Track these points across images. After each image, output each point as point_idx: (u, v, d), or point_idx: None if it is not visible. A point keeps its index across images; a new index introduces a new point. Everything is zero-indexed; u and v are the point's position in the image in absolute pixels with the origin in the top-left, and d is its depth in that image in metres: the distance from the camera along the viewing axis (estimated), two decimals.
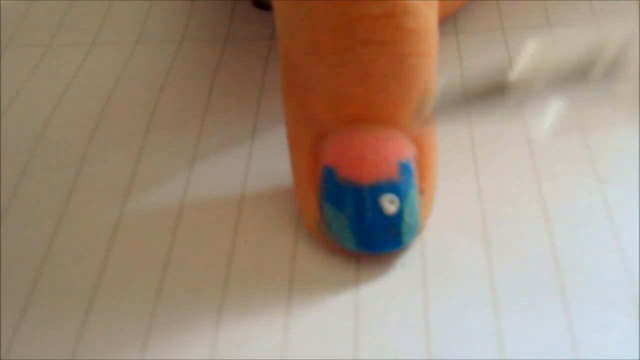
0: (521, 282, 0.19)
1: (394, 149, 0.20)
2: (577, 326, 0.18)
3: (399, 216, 0.20)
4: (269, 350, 0.19)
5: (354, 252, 0.20)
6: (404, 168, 0.20)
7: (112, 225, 0.22)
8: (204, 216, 0.22)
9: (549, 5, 0.29)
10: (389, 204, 0.20)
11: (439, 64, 0.25)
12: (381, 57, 0.20)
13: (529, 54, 0.17)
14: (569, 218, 0.21)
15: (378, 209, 0.20)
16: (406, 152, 0.20)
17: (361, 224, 0.20)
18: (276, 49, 0.28)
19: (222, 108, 0.26)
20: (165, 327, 0.19)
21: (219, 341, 0.19)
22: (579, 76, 0.16)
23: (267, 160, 0.24)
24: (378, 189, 0.20)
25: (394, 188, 0.20)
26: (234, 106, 0.26)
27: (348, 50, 0.20)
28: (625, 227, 0.20)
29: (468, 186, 0.22)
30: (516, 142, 0.23)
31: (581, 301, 0.19)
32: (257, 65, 0.28)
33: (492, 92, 0.17)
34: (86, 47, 0.30)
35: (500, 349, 0.18)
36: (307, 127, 0.21)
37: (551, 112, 0.17)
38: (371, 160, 0.20)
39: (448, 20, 0.28)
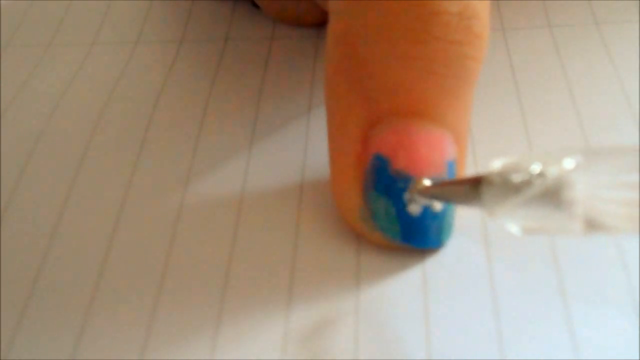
0: (521, 282, 0.19)
1: (445, 148, 0.20)
2: (577, 326, 0.18)
3: (442, 215, 0.20)
4: (269, 350, 0.19)
5: (391, 244, 0.20)
6: (450, 168, 0.20)
7: (111, 224, 0.22)
8: (204, 216, 0.22)
9: (549, 5, 0.29)
10: (437, 202, 0.20)
11: None
12: (448, 56, 0.20)
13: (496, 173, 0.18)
14: None
15: (427, 206, 0.20)
16: (452, 152, 0.20)
17: (410, 217, 0.20)
18: (276, 49, 0.28)
19: (222, 108, 0.26)
20: (165, 327, 0.19)
21: (219, 341, 0.19)
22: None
23: (267, 160, 0.24)
24: None
25: None
26: (233, 106, 0.26)
27: (421, 43, 0.20)
28: None
29: None
30: (516, 142, 0.23)
31: (581, 301, 0.19)
32: (257, 65, 0.28)
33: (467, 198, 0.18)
34: (86, 47, 0.30)
35: (500, 349, 0.18)
36: (360, 107, 0.20)
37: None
38: (425, 156, 0.20)
39: None
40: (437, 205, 0.20)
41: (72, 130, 0.26)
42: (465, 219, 0.21)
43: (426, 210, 0.20)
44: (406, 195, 0.20)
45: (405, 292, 0.20)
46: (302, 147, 0.24)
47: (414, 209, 0.20)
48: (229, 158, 0.24)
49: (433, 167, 0.20)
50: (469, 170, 0.22)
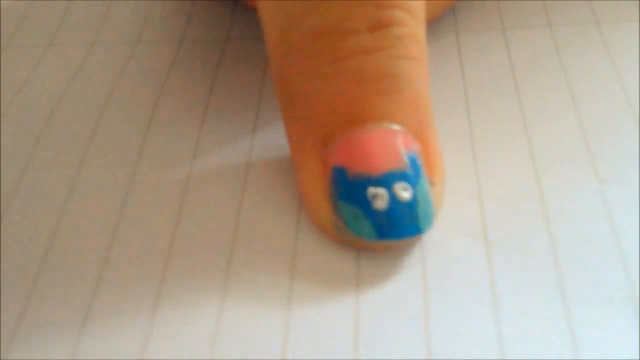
0: (521, 282, 0.19)
1: (400, 142, 0.20)
2: (577, 326, 0.18)
3: (413, 203, 0.20)
4: (269, 350, 0.19)
5: (374, 245, 0.20)
6: (412, 160, 0.20)
7: (112, 224, 0.22)
8: (204, 215, 0.22)
9: (549, 5, 0.29)
10: (403, 191, 0.20)
11: (439, 62, 0.25)
12: (373, 62, 0.20)
13: None
14: (569, 218, 0.21)
15: (393, 197, 0.20)
16: (411, 145, 0.20)
17: (379, 213, 0.20)
18: None
19: (223, 107, 0.26)
20: (165, 325, 0.19)
21: (219, 340, 0.19)
22: None
23: (268, 161, 0.24)
24: (390, 178, 0.20)
25: (405, 177, 0.20)
26: (234, 106, 0.26)
27: (340, 61, 0.20)
28: (625, 227, 0.20)
29: (468, 186, 0.22)
30: (516, 141, 0.23)
31: (581, 301, 0.19)
32: (257, 65, 0.28)
33: None
34: (86, 47, 0.30)
35: (500, 349, 0.18)
36: (310, 133, 0.21)
37: None
38: (379, 152, 0.20)
39: (448, 19, 0.28)
40: (404, 194, 0.20)
41: (72, 130, 0.26)
42: (465, 218, 0.21)
43: (393, 202, 0.20)
44: (369, 192, 0.20)
45: (405, 292, 0.20)
46: None
47: (379, 204, 0.20)
48: (230, 157, 0.24)
49: (390, 162, 0.20)
50: (468, 170, 0.22)
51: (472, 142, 0.23)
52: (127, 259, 0.21)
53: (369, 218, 0.20)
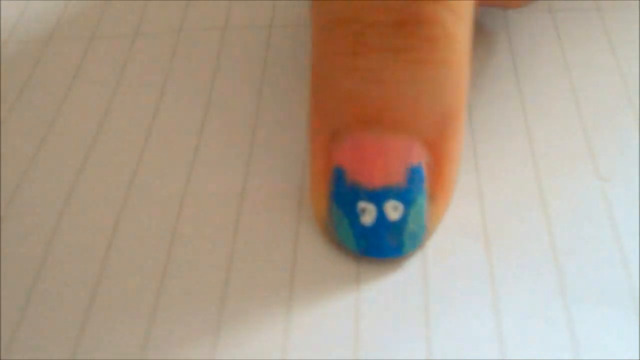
0: (521, 282, 0.19)
1: (405, 154, 0.20)
2: (577, 326, 0.18)
3: (402, 223, 0.20)
4: (270, 351, 0.19)
5: (356, 254, 0.20)
6: (414, 173, 0.20)
7: (112, 223, 0.22)
8: (203, 216, 0.22)
9: None
10: (393, 211, 0.20)
11: None
12: (394, 63, 0.19)
13: None
14: (569, 217, 0.21)
15: (382, 215, 0.20)
16: (417, 157, 0.20)
17: (363, 228, 0.20)
18: (276, 36, 0.28)
19: (225, 98, 0.26)
20: (166, 327, 0.19)
21: (220, 341, 0.19)
22: None
23: (269, 158, 0.24)
24: (384, 195, 0.20)
25: (401, 194, 0.20)
26: (236, 96, 0.26)
27: (359, 55, 0.19)
28: (625, 226, 0.20)
29: (468, 186, 0.22)
30: (516, 141, 0.23)
31: (581, 301, 0.19)
32: (257, 52, 0.28)
33: None
34: (86, 41, 0.29)
35: (500, 349, 0.18)
36: (323, 124, 0.20)
37: None
38: (380, 165, 0.20)
39: None
40: (394, 214, 0.20)
41: (75, 127, 0.26)
42: (465, 218, 0.21)
43: (381, 220, 0.20)
44: (359, 206, 0.20)
45: (405, 292, 0.20)
46: (304, 144, 0.24)
47: (366, 219, 0.20)
48: (230, 157, 0.24)
49: (390, 176, 0.20)
50: (468, 170, 0.22)
51: (472, 141, 0.23)
52: (127, 259, 0.21)
53: (354, 230, 0.20)
